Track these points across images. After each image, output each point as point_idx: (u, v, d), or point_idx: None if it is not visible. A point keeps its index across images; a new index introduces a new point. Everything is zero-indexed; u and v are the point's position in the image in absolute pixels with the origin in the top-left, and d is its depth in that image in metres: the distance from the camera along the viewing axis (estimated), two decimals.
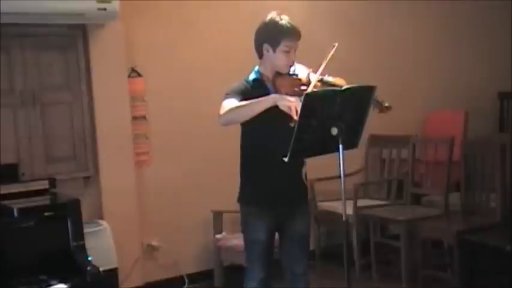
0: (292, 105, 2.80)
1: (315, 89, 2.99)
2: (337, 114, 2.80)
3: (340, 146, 2.81)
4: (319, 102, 2.80)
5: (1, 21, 3.84)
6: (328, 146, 2.85)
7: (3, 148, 4.14)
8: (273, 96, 2.94)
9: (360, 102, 2.91)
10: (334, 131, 2.79)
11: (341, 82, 3.07)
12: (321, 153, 2.93)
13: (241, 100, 2.99)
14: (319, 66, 3.04)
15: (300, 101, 2.76)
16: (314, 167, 3.33)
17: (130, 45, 4.66)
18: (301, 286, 3.31)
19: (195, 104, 4.88)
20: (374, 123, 3.30)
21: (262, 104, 2.89)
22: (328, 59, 3.02)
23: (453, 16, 6.12)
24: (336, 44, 3.04)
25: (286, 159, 2.78)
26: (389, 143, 5.40)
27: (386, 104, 3.10)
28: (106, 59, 4.50)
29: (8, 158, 4.17)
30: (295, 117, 2.76)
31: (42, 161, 4.33)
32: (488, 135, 5.97)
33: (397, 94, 5.71)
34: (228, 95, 3.05)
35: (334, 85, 3.04)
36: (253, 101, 2.91)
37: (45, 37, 4.34)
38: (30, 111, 4.29)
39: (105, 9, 4.11)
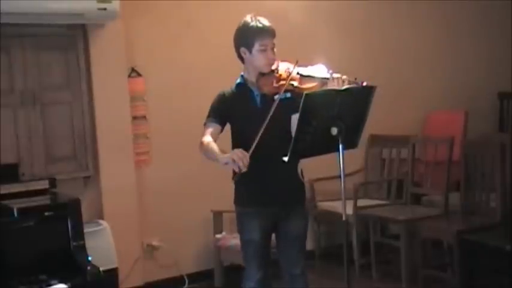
0: (230, 159, 2.88)
1: (293, 82, 3.04)
2: (337, 114, 2.81)
3: (340, 146, 2.81)
4: (319, 102, 2.80)
5: (1, 21, 3.84)
6: (328, 146, 2.85)
7: (3, 148, 4.14)
8: (221, 156, 3.01)
9: (359, 103, 2.91)
10: (334, 131, 2.80)
11: (318, 72, 3.07)
12: (320, 153, 2.93)
13: (221, 113, 3.17)
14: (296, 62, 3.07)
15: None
16: (314, 167, 3.33)
17: (130, 45, 4.66)
18: (299, 287, 3.30)
19: (195, 104, 4.83)
20: (374, 123, 3.30)
21: (216, 159, 3.04)
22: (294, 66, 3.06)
23: (453, 16, 6.11)
24: (298, 61, 3.06)
25: (286, 159, 2.78)
26: (389, 142, 5.39)
27: (365, 83, 2.99)
28: (106, 59, 4.50)
29: (8, 158, 4.17)
30: (237, 170, 2.85)
31: (42, 161, 4.33)
32: (488, 135, 5.97)
33: (397, 94, 5.75)
34: (207, 119, 3.21)
35: (311, 77, 3.06)
36: (215, 153, 3.06)
37: (45, 37, 4.35)
38: (30, 111, 4.30)
39: (105, 9, 4.11)
